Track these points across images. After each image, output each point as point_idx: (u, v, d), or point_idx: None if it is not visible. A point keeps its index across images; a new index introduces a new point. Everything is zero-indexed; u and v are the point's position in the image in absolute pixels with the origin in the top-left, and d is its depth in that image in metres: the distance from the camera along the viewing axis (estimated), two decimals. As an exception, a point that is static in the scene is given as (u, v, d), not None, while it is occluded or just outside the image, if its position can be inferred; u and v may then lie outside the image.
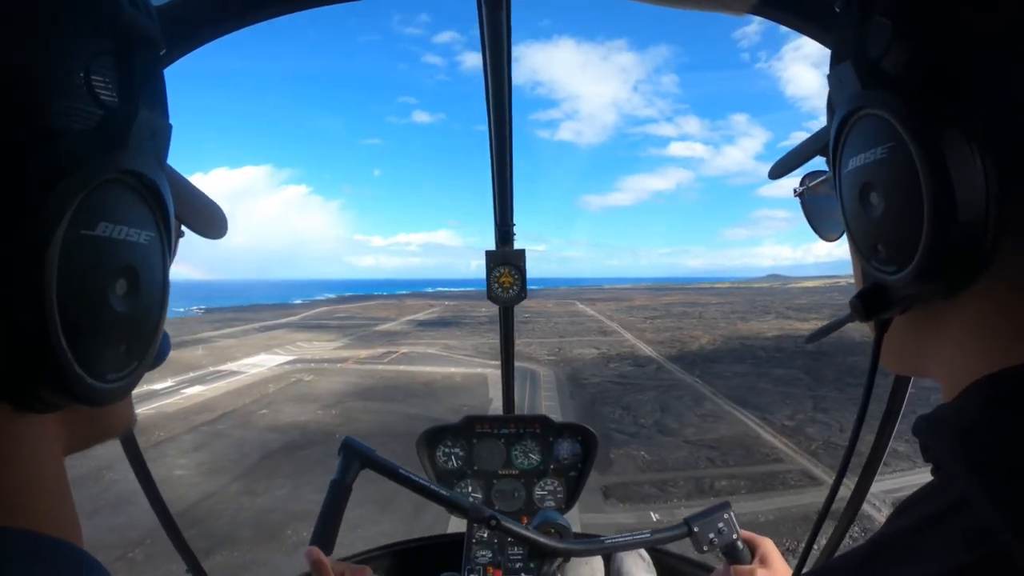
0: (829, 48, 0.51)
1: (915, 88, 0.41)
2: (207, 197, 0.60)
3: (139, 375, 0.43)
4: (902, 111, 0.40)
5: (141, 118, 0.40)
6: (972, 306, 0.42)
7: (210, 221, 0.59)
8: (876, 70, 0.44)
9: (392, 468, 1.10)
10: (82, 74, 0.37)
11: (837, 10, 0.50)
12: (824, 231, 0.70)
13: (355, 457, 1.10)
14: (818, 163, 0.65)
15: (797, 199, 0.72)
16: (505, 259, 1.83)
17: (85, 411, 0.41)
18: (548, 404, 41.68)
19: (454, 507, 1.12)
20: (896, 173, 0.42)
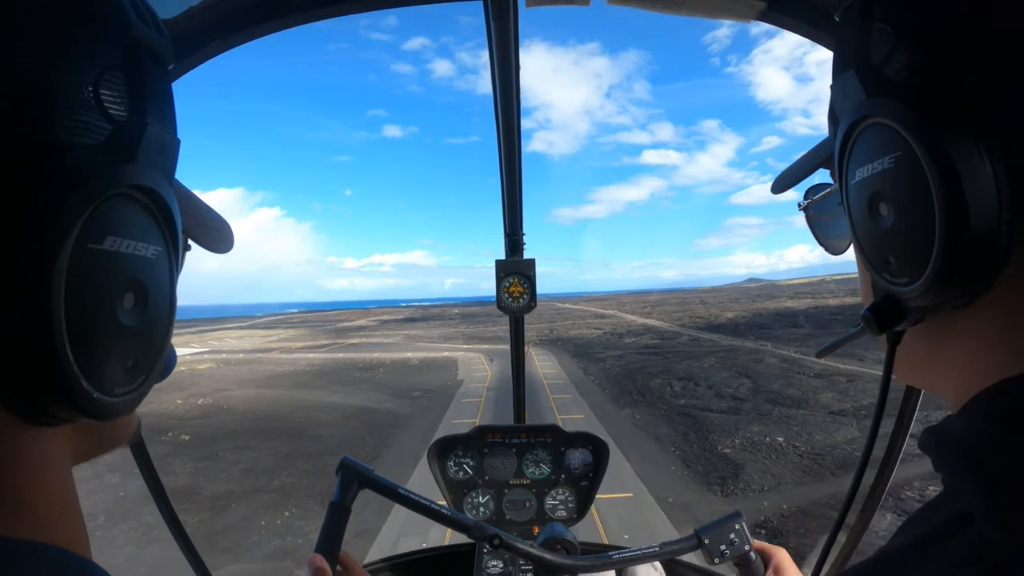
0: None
1: (921, 94, 0.40)
2: (214, 212, 0.60)
3: (146, 389, 0.43)
4: (909, 118, 0.40)
5: (150, 132, 0.40)
6: (982, 315, 0.42)
7: (217, 236, 0.59)
8: (880, 78, 0.44)
9: (392, 487, 1.11)
10: (91, 88, 0.37)
11: (837, 19, 0.49)
12: (831, 245, 0.68)
13: (353, 477, 1.10)
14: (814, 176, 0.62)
15: (801, 212, 0.70)
16: (515, 268, 1.89)
17: (92, 423, 0.40)
18: (554, 383, 31.69)
19: (458, 526, 1.13)
20: (906, 182, 0.41)
